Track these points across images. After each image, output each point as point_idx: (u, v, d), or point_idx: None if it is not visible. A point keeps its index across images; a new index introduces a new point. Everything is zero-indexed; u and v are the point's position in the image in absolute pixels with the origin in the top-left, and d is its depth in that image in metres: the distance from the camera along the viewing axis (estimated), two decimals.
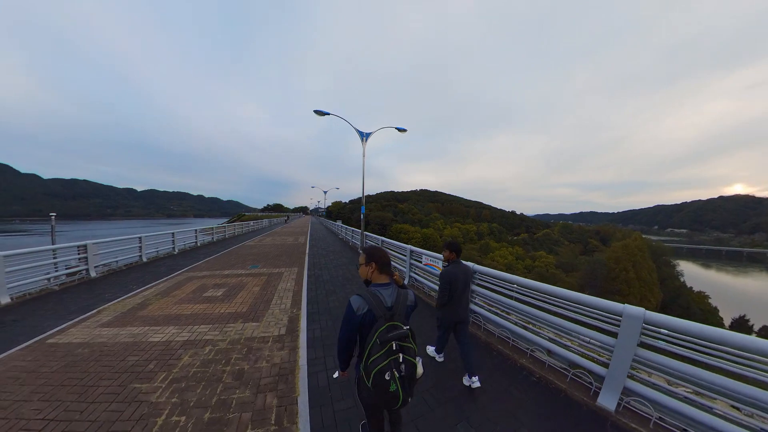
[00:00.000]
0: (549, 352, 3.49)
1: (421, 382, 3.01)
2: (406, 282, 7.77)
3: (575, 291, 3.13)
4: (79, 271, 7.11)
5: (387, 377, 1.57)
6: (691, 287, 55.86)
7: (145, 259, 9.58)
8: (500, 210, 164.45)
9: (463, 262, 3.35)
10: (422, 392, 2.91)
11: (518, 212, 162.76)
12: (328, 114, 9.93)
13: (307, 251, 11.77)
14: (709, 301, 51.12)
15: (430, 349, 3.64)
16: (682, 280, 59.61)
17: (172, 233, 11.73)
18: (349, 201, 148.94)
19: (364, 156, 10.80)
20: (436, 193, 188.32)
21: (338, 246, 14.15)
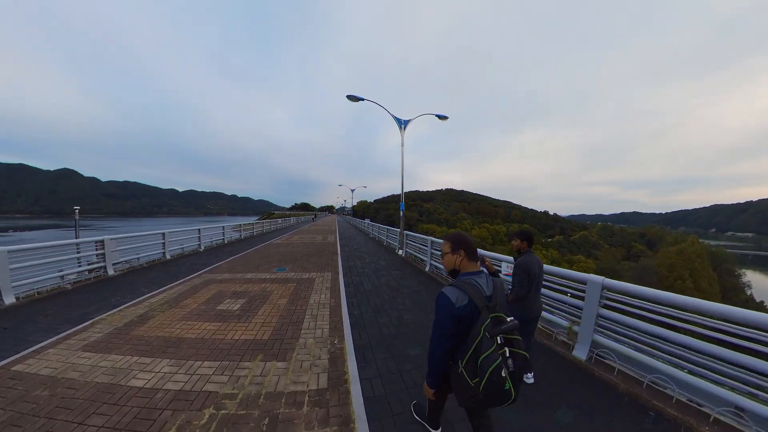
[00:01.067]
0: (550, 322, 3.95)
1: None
2: (427, 269, 7.82)
3: None
4: (96, 268, 6.50)
5: (503, 374, 1.37)
6: (761, 302, 48.01)
7: (168, 256, 8.93)
8: (531, 210, 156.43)
9: (533, 252, 3.01)
10: None
11: (551, 212, 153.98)
12: (362, 99, 8.74)
13: (338, 251, 10.59)
14: None
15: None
16: (749, 293, 51.42)
17: (198, 230, 11.11)
18: (374, 201, 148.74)
19: (402, 145, 9.44)
20: (462, 192, 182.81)
21: (372, 246, 12.90)
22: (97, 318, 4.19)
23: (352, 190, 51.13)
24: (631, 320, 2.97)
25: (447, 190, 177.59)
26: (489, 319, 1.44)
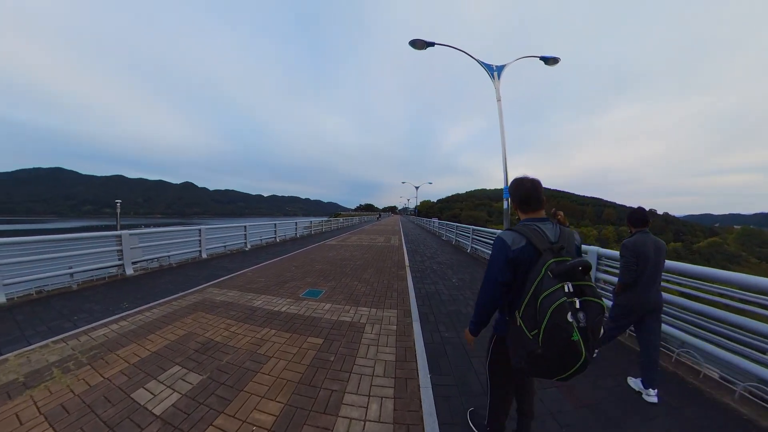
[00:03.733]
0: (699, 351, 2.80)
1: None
2: (468, 251, 8.13)
3: None
4: (115, 266, 5.66)
5: (569, 318, 1.09)
6: None
7: (205, 255, 7.85)
8: (630, 208, 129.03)
9: (649, 232, 2.41)
10: None
11: (659, 211, 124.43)
12: (433, 44, 6.27)
13: (406, 262, 7.50)
14: None
15: (634, 382, 2.41)
16: None
17: (245, 226, 10.03)
18: (438, 200, 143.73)
19: (499, 100, 6.22)
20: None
21: (450, 254, 9.29)
22: (40, 344, 2.85)
23: (416, 188, 48.73)
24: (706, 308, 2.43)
25: None
26: (552, 261, 1.23)
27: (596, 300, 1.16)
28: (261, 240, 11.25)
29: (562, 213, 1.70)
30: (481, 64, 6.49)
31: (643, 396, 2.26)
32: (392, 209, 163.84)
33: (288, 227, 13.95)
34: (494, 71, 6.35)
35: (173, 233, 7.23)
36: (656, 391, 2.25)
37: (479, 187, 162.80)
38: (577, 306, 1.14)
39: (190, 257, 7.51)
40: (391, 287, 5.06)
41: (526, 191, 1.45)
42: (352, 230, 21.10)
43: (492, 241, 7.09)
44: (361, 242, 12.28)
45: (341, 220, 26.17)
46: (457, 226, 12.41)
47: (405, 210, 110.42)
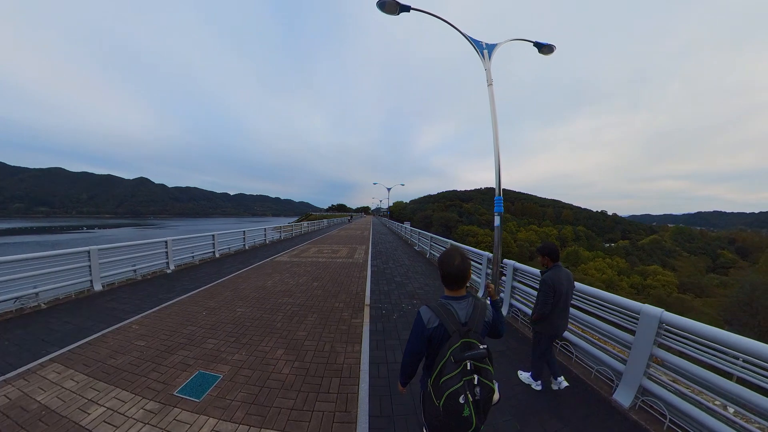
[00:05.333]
0: (574, 346, 3.57)
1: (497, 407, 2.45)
2: (480, 294, 6.05)
3: (715, 326, 2.44)
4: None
5: (461, 401, 1.36)
6: None
7: (172, 267, 6.86)
8: (585, 210, 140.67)
9: (561, 266, 2.85)
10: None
11: (609, 212, 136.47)
12: (408, 9, 5.17)
13: (366, 298, 5.73)
14: None
15: (524, 376, 3.11)
16: None
17: (165, 241, 8.41)
18: (411, 201, 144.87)
19: (491, 84, 5.14)
20: (504, 191, 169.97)
21: (425, 276, 7.86)
22: None
23: (389, 189, 48.02)
24: (694, 367, 2.49)
25: (487, 189, 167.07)
26: (459, 344, 1.45)
27: (488, 383, 1.43)
28: (194, 257, 9.53)
29: (492, 286, 1.83)
30: (470, 39, 5.56)
31: (560, 386, 2.96)
32: (365, 210, 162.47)
33: (236, 237, 12.25)
34: (484, 49, 5.41)
35: (134, 247, 5.49)
36: (562, 377, 2.96)
37: (450, 189, 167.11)
38: (475, 382, 1.40)
39: (158, 269, 5.77)
40: (332, 362, 3.40)
41: (452, 272, 1.57)
42: (315, 237, 19.61)
43: (474, 260, 6.25)
44: (318, 257, 10.76)
45: (305, 224, 24.44)
46: (431, 237, 11.24)
47: (378, 211, 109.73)
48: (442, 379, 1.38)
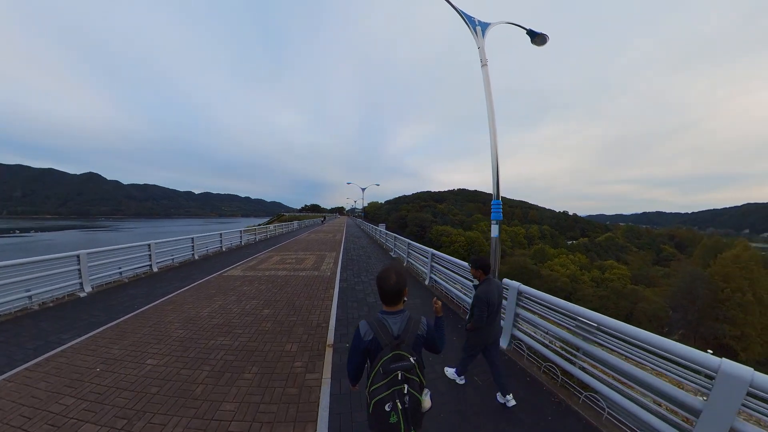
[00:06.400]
0: (608, 401, 2.88)
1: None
2: (426, 282, 7.11)
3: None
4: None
5: (387, 408, 1.51)
6: None
7: (88, 289, 5.57)
8: (548, 210, 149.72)
9: (492, 277, 3.06)
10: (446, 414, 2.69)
11: (570, 212, 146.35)
12: None
13: (329, 335, 4.43)
14: None
15: (450, 371, 3.42)
16: None
17: (193, 240, 6.73)
18: (386, 201, 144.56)
19: (485, 64, 4.20)
20: (475, 192, 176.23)
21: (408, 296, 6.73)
22: None
23: (363, 189, 46.82)
24: (538, 320, 3.42)
25: (459, 190, 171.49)
26: (390, 356, 1.56)
27: (416, 394, 1.57)
28: (122, 273, 7.70)
29: (440, 303, 1.86)
30: (462, 14, 4.62)
31: (506, 403, 2.97)
32: (340, 210, 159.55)
33: (182, 246, 10.52)
34: (477, 26, 4.50)
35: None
36: (511, 395, 2.98)
37: (424, 189, 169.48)
38: (405, 391, 1.53)
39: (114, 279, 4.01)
40: None
41: (388, 290, 1.69)
42: (283, 241, 17.95)
43: (463, 275, 5.30)
44: (277, 270, 9.21)
45: (271, 227, 22.54)
46: (409, 244, 9.95)
47: (353, 211, 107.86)
48: (372, 388, 1.55)
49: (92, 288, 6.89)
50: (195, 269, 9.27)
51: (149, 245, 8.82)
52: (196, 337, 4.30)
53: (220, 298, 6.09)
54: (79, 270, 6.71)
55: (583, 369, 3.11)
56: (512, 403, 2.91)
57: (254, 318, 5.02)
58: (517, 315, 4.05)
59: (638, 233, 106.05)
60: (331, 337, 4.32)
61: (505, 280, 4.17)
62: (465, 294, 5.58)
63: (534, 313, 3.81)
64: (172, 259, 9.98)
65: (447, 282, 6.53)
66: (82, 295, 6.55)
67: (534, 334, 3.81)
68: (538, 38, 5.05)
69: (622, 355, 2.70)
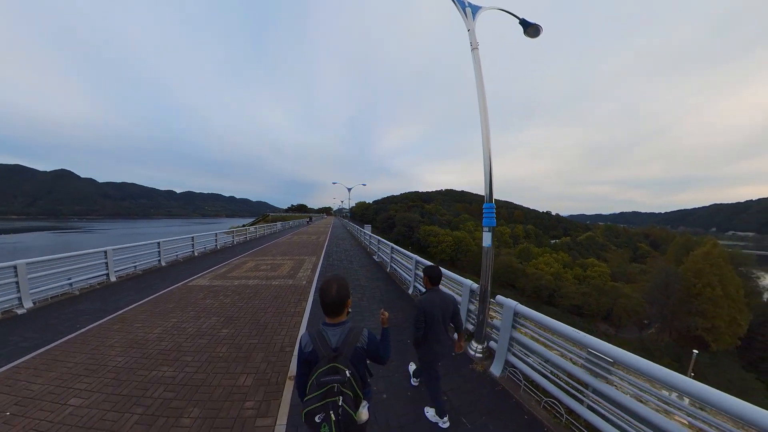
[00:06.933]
0: None
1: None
2: (410, 291, 6.96)
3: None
4: None
5: (317, 419, 1.50)
6: None
7: (28, 305, 5.07)
8: (533, 210, 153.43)
9: (444, 290, 3.09)
10: None
11: (553, 213, 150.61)
12: None
13: (297, 347, 4.77)
14: None
15: (430, 413, 2.93)
16: (766, 297, 46.55)
17: (159, 244, 5.96)
18: (374, 201, 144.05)
19: (475, 48, 3.79)
20: (462, 192, 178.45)
21: (384, 301, 6.53)
22: None
23: (349, 189, 46.15)
24: (539, 347, 3.04)
25: (447, 190, 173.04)
26: (326, 368, 1.57)
27: (348, 410, 1.51)
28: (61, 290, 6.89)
29: (386, 314, 1.85)
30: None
31: (439, 423, 2.79)
32: (327, 210, 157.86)
33: (147, 252, 9.78)
34: (466, 6, 4.07)
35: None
36: (447, 416, 2.80)
37: (412, 189, 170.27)
38: (340, 403, 1.50)
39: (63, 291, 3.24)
40: None
41: (328, 302, 1.70)
42: (264, 243, 17.20)
43: (454, 289, 4.94)
44: (249, 278, 8.47)
45: (252, 229, 21.65)
46: (392, 248, 9.40)
47: (340, 211, 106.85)
48: (306, 398, 1.56)
49: (33, 303, 6.12)
50: (158, 278, 8.52)
51: (105, 252, 8.02)
52: (136, 366, 3.69)
53: (176, 315, 5.43)
54: (17, 283, 5.93)
55: (592, 409, 2.65)
56: (446, 425, 2.76)
57: (209, 340, 4.38)
58: (512, 338, 3.58)
59: (616, 232, 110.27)
60: (294, 366, 3.69)
61: (500, 298, 3.80)
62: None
63: (536, 340, 3.33)
64: (135, 266, 9.17)
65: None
66: (20, 311, 5.78)
67: (534, 363, 3.30)
68: (531, 29, 4.75)
69: (647, 401, 2.25)
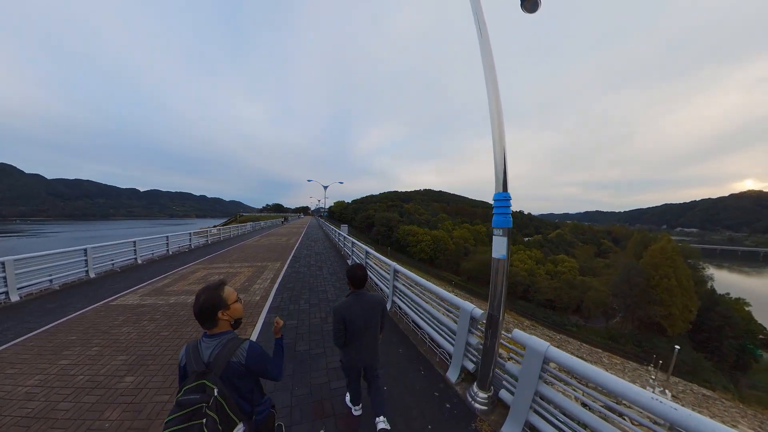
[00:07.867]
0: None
1: None
2: (388, 307, 5.62)
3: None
4: None
5: None
6: (728, 294, 48.31)
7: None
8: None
9: (370, 293, 2.63)
10: None
11: (525, 212, 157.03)
12: None
13: None
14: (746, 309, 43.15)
15: (348, 398, 3.00)
16: (710, 285, 52.00)
17: (86, 252, 4.46)
18: (352, 201, 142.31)
19: (484, 34, 2.93)
20: (440, 192, 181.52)
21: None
22: None
23: (325, 187, 44.54)
24: (578, 409, 2.15)
25: (425, 190, 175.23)
26: (193, 385, 1.37)
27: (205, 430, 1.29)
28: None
29: (281, 322, 1.67)
30: None
31: (377, 425, 2.61)
32: (305, 210, 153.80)
33: (73, 260, 8.25)
34: None
35: None
36: (384, 417, 2.63)
37: (392, 189, 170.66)
38: (204, 423, 1.27)
39: None
40: None
41: (195, 310, 1.51)
42: (226, 247, 15.58)
43: (450, 313, 4.14)
44: (190, 293, 7.01)
45: (214, 231, 19.79)
46: (366, 252, 8.36)
47: (318, 211, 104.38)
48: (167, 419, 1.29)
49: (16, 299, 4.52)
50: (78, 294, 6.96)
51: (3, 263, 6.38)
52: None
53: (73, 352, 4.08)
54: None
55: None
56: (382, 426, 2.58)
57: (99, 398, 3.09)
58: (539, 393, 2.57)
59: (582, 230, 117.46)
60: None
61: (519, 335, 2.75)
62: (438, 332, 4.17)
63: (576, 399, 2.44)
64: (50, 280, 7.52)
65: (415, 311, 5.00)
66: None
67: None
68: (528, 1, 4.09)
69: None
